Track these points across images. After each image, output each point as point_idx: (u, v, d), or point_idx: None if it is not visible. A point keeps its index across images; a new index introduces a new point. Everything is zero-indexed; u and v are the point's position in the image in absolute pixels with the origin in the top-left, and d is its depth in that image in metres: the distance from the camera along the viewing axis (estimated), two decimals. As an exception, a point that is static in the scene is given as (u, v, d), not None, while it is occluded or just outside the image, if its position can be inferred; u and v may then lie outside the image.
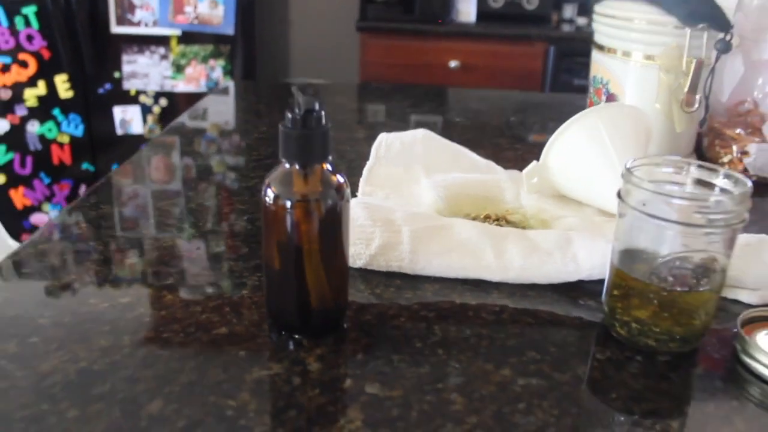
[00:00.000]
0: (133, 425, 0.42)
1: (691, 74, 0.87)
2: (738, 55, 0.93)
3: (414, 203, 0.72)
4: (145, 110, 2.20)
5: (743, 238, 0.63)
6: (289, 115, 0.47)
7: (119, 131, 2.22)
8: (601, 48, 0.97)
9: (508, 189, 0.75)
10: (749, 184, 0.49)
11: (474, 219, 0.69)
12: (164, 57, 2.16)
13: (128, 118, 2.23)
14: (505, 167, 0.84)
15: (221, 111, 1.21)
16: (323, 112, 0.47)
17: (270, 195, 0.49)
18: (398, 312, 0.55)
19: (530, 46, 2.43)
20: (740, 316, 0.53)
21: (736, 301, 0.60)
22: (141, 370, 0.47)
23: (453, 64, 2.43)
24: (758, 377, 0.49)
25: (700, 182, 0.52)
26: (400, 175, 0.77)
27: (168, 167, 0.87)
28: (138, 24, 2.11)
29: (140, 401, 0.44)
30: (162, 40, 2.13)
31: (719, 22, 0.85)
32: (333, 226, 0.50)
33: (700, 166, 0.52)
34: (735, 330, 0.52)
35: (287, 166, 0.48)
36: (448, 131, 1.11)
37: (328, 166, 0.49)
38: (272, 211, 0.49)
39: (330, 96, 1.29)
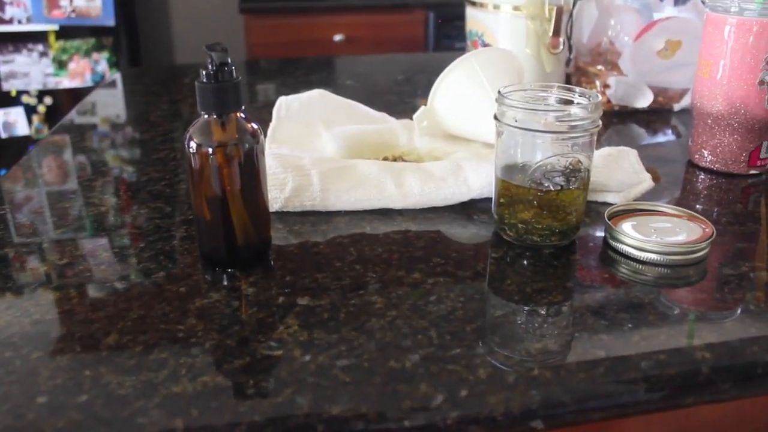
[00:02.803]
0: (96, 356, 0.47)
1: (553, 20, 0.97)
2: (591, 1, 1.04)
3: (318, 155, 0.78)
4: (30, 110, 2.16)
5: (606, 150, 0.74)
6: (204, 72, 0.53)
7: (3, 134, 2.17)
8: (473, 4, 1.06)
9: (402, 134, 0.83)
10: (599, 96, 0.58)
11: (375, 161, 0.76)
12: (44, 54, 2.12)
13: (12, 120, 2.18)
14: (400, 119, 0.92)
15: (111, 104, 1.22)
16: (233, 66, 0.53)
17: (193, 145, 0.54)
18: (316, 243, 0.62)
19: (410, 14, 2.52)
20: (607, 210, 0.63)
21: (605, 203, 0.70)
22: (92, 313, 0.52)
23: (338, 38, 2.50)
24: (624, 255, 0.59)
25: (560, 100, 0.61)
26: (302, 131, 0.83)
27: (62, 166, 0.87)
28: (10, 21, 2.06)
29: (97, 336, 0.49)
30: (39, 37, 2.09)
31: (573, -29, 0.95)
32: (251, 168, 0.56)
33: (559, 87, 0.61)
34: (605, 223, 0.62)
35: (205, 117, 0.54)
36: (341, 94, 1.17)
37: (242, 115, 0.55)
38: (196, 159, 0.54)
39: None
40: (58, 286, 0.56)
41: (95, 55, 2.13)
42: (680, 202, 0.74)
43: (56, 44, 2.09)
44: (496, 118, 0.59)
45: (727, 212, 0.70)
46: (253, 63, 1.65)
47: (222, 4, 2.77)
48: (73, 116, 1.10)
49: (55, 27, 2.07)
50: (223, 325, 0.50)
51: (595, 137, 0.59)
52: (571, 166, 0.58)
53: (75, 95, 2.12)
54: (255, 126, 0.56)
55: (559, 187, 0.58)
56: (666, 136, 0.98)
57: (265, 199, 0.58)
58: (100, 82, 2.13)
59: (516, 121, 0.57)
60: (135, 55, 2.20)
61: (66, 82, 2.13)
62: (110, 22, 2.11)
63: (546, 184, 0.58)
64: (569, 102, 0.60)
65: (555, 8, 0.96)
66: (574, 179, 0.59)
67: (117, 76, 1.48)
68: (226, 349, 0.47)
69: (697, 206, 0.72)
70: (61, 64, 2.11)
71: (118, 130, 1.02)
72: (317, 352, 0.47)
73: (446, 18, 2.52)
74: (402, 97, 1.10)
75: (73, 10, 2.06)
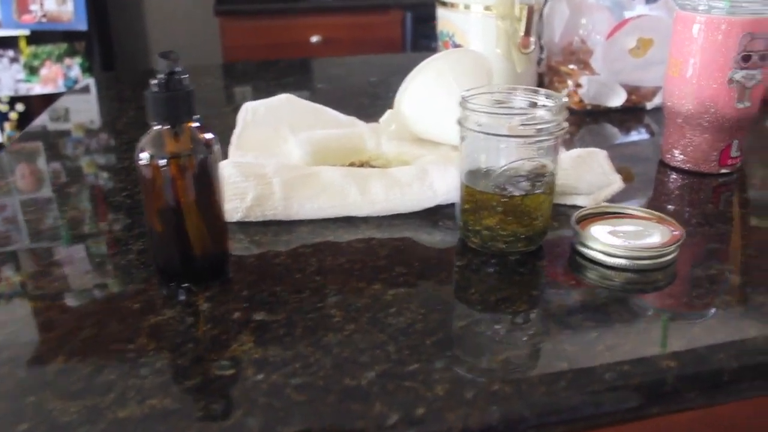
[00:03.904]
0: (41, 380, 0.45)
1: (524, 20, 0.96)
2: (563, 0, 1.03)
3: (284, 161, 0.77)
4: (1, 118, 2.12)
5: (576, 152, 0.72)
6: (154, 80, 0.51)
7: (-25, 142, 2.14)
8: (444, 4, 1.05)
9: (369, 139, 0.82)
10: (564, 98, 0.57)
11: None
12: (14, 60, 2.09)
13: (-17, 128, 2.15)
14: (369, 122, 0.90)
15: (85, 109, 1.20)
16: (185, 75, 0.51)
17: (144, 157, 0.52)
18: (277, 253, 0.60)
19: (387, 14, 2.51)
20: (575, 214, 0.62)
21: (574, 206, 0.68)
22: (41, 334, 0.50)
23: (315, 39, 2.48)
24: (591, 260, 0.58)
25: (525, 103, 0.60)
26: (267, 137, 0.82)
27: (35, 174, 0.85)
28: (-21, 27, 2.03)
29: (45, 359, 0.47)
30: (9, 42, 2.06)
31: (542, -30, 0.94)
32: (206, 178, 0.54)
33: (524, 90, 0.60)
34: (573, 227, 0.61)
35: (157, 127, 0.52)
36: (312, 97, 1.16)
37: (195, 124, 0.53)
38: (148, 171, 0.53)
39: (197, 77, 1.31)
40: (7, 304, 0.54)
41: (68, 61, 2.10)
42: (651, 202, 0.73)
43: (27, 50, 2.06)
44: (459, 122, 0.57)
45: (697, 213, 0.69)
46: (228, 66, 1.63)
47: (197, 6, 2.75)
48: (45, 122, 1.07)
49: (26, 32, 2.04)
50: (175, 343, 0.49)
51: (561, 140, 0.58)
52: (536, 171, 0.57)
53: (48, 101, 2.08)
54: (209, 136, 0.54)
55: (524, 193, 0.57)
56: (639, 135, 0.97)
57: (222, 210, 0.56)
58: (72, 87, 2.10)
59: (479, 125, 0.55)
60: (108, 60, 2.17)
61: (38, 88, 2.10)
62: (82, 26, 2.08)
63: (510, 190, 0.57)
64: (534, 104, 0.59)
65: (525, 8, 0.95)
66: (539, 183, 0.57)
67: (90, 81, 1.46)
68: (177, 369, 0.46)
69: (669, 207, 0.71)
70: (32, 70, 2.08)
71: (91, 137, 1.00)
72: (271, 370, 0.45)
73: (424, 18, 2.51)
74: (374, 99, 1.08)
75: (44, 15, 2.03)
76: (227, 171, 0.66)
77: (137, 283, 0.56)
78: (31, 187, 0.79)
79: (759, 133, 0.97)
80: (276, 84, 1.23)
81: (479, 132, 0.55)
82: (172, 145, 0.53)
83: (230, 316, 0.51)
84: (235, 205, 0.65)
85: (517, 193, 0.57)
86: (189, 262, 0.56)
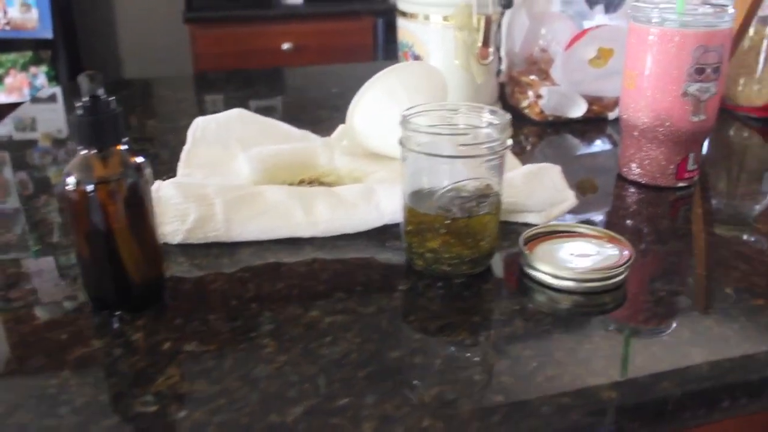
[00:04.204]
0: (-47, 419, 0.43)
1: (482, 30, 0.94)
2: (522, 9, 1.02)
3: (233, 179, 0.75)
4: (-33, 127, 2.09)
5: (528, 168, 0.71)
6: (79, 104, 0.49)
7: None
8: (404, 14, 1.03)
9: (322, 154, 0.80)
10: (508, 116, 0.55)
11: (290, 185, 0.73)
12: (-22, 68, 2.05)
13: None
14: (326, 135, 0.88)
15: (51, 119, 1.17)
16: (112, 97, 0.49)
17: (71, 182, 0.50)
18: (216, 278, 0.58)
19: (358, 21, 2.50)
20: (522, 235, 0.60)
21: (526, 224, 0.67)
22: (-41, 367, 0.48)
23: (286, 46, 2.46)
24: (538, 283, 0.56)
25: (469, 121, 0.58)
26: (217, 153, 0.80)
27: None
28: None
29: (-40, 396, 0.45)
30: (-29, 51, 2.03)
31: (499, -20, 0.93)
32: (138, 203, 0.52)
33: (468, 107, 0.58)
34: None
35: (84, 152, 0.50)
36: (269, 111, 1.14)
37: (124, 147, 0.51)
38: (76, 197, 0.50)
39: (163, 89, 1.29)
40: (-73, 337, 0.52)
41: (33, 69, 2.06)
42: (607, 217, 0.72)
43: (-9, 58, 2.03)
44: (400, 143, 0.56)
45: (651, 230, 0.68)
46: (186, 78, 1.61)
47: (167, 14, 2.71)
48: (10, 131, 1.04)
49: (-11, 40, 2.01)
50: (98, 378, 0.46)
51: (505, 158, 0.56)
52: (480, 191, 0.55)
53: (12, 111, 2.05)
54: (140, 159, 0.52)
55: (468, 214, 0.55)
56: (600, 146, 0.95)
57: (156, 234, 0.54)
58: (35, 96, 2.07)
59: (419, 145, 0.54)
60: (75, 68, 2.13)
61: (2, 98, 2.07)
62: (48, 34, 2.05)
63: (454, 211, 0.55)
64: (477, 123, 0.58)
65: (483, 18, 0.93)
66: (484, 204, 0.56)
67: (57, 90, 1.43)
68: (96, 407, 0.43)
69: (624, 222, 0.70)
70: (-3, 79, 2.05)
71: (59, 147, 0.97)
72: (194, 407, 0.43)
73: (395, 25, 2.49)
74: (333, 111, 1.06)
75: (8, 23, 2.00)
76: (168, 192, 0.64)
77: (68, 311, 0.54)
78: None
79: (717, 142, 0.96)
80: (233, 97, 1.21)
81: (420, 153, 0.54)
82: (100, 169, 0.51)
83: (160, 348, 0.49)
84: (176, 227, 0.63)
85: (460, 215, 0.55)
86: (123, 289, 0.54)
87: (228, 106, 0.91)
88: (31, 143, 1.01)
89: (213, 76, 1.39)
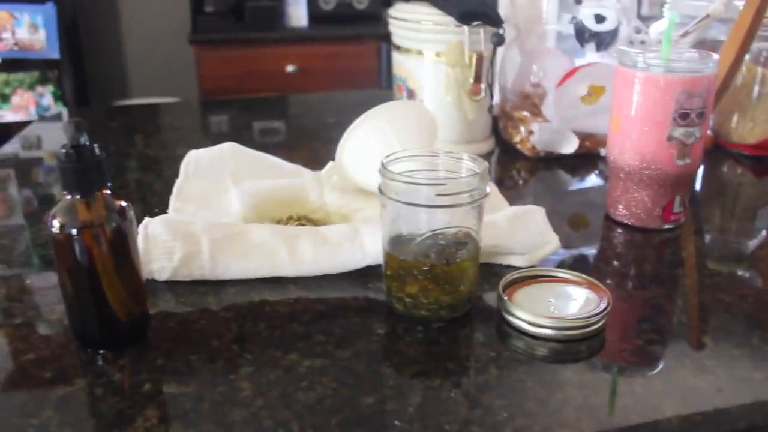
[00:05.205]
0: (-66, 458, 0.44)
1: (473, 67, 0.95)
2: (514, 46, 1.03)
3: (223, 214, 0.76)
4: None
5: (512, 210, 0.72)
6: (63, 150, 0.50)
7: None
8: (398, 48, 1.05)
9: (312, 189, 0.81)
10: (485, 164, 0.56)
11: (278, 222, 0.74)
12: (-14, 87, 2.08)
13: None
14: (318, 168, 0.89)
15: (57, 138, 1.18)
16: (95, 144, 0.51)
17: (56, 225, 0.51)
18: (200, 316, 0.59)
19: (363, 44, 2.52)
20: (502, 280, 0.61)
21: (510, 266, 0.68)
22: (-57, 404, 0.49)
23: (290, 68, 2.48)
24: (518, 330, 0.57)
25: (448, 169, 0.59)
26: (209, 188, 0.81)
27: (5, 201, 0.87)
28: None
29: (-59, 434, 0.46)
30: (-20, 70, 2.05)
31: (492, 19, 0.94)
32: (121, 245, 0.53)
33: (448, 154, 0.59)
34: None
35: (69, 197, 0.51)
36: (263, 138, 1.15)
37: (107, 192, 0.52)
38: (60, 240, 0.52)
39: (162, 115, 1.31)
40: None
41: (40, 89, 2.09)
42: (591, 259, 0.73)
43: (-1, 77, 2.05)
44: (380, 190, 0.57)
45: (634, 273, 0.69)
46: (171, 105, 1.63)
47: (173, 36, 2.74)
48: (17, 150, 1.07)
49: (-3, 60, 2.03)
50: (79, 417, 0.47)
51: (484, 205, 0.57)
52: (458, 238, 0.56)
53: (19, 130, 2.07)
54: (123, 204, 0.53)
55: (446, 261, 0.56)
56: (591, 183, 0.96)
57: (140, 274, 0.56)
58: (42, 116, 2.10)
59: (397, 194, 0.55)
60: (81, 88, 2.16)
61: (9, 116, 2.09)
62: (55, 54, 2.07)
63: (432, 257, 0.56)
64: (457, 170, 0.59)
65: (475, 55, 0.94)
66: (462, 251, 0.57)
67: (63, 110, 1.45)
68: (74, 450, 0.44)
69: (608, 265, 0.70)
70: (4, 98, 2.07)
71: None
72: (169, 452, 0.44)
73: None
74: (326, 143, 1.07)
75: (16, 43, 2.02)
76: (156, 229, 0.65)
77: (54, 348, 0.55)
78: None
79: (709, 179, 0.97)
80: (229, 125, 1.23)
81: (397, 201, 0.55)
82: (84, 213, 0.52)
83: (140, 388, 0.50)
84: (163, 265, 0.64)
85: (438, 262, 0.56)
86: (107, 327, 0.55)
87: (228, 136, 0.92)
88: (37, 161, 1.03)
89: (214, 102, 1.41)
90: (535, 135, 0.99)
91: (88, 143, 0.50)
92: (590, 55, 1.00)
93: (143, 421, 0.47)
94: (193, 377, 0.51)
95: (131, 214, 0.53)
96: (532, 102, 1.05)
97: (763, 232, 0.81)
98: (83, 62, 2.15)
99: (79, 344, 0.56)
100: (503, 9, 1.00)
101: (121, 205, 0.53)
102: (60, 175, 0.51)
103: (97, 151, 0.51)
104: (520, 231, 0.69)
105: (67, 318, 0.56)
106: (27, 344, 0.56)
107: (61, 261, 0.53)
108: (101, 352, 0.55)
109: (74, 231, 0.51)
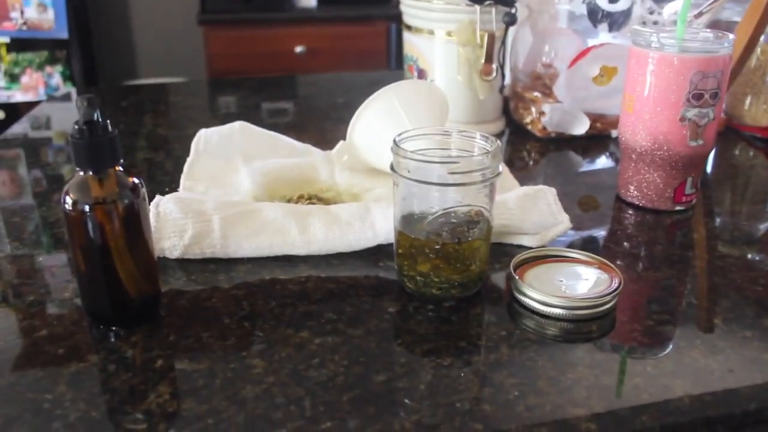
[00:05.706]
0: (-50, 431, 0.44)
1: (485, 46, 0.95)
2: (526, 26, 1.02)
3: (233, 192, 0.76)
4: (-17, 124, 2.12)
5: (523, 190, 0.72)
6: (75, 126, 0.50)
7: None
8: (409, 28, 1.04)
9: (323, 169, 0.81)
10: (498, 143, 0.56)
11: (289, 201, 0.74)
12: (-5, 67, 2.08)
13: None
14: (329, 148, 0.89)
15: (66, 118, 1.19)
16: (107, 121, 0.51)
17: (69, 202, 0.52)
18: (211, 294, 0.59)
19: (372, 25, 2.50)
20: (513, 260, 0.61)
21: (521, 246, 0.68)
22: (-42, 378, 0.49)
23: (299, 49, 2.47)
24: (529, 309, 0.57)
25: (460, 147, 0.59)
26: (219, 167, 0.81)
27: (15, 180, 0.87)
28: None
29: (-43, 408, 0.46)
30: (-11, 49, 2.05)
31: (504, -2, 0.93)
32: (134, 222, 0.53)
33: (460, 132, 0.59)
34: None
35: (81, 173, 0.52)
36: (273, 118, 1.15)
37: (120, 169, 0.52)
38: (73, 216, 0.52)
39: (173, 95, 1.31)
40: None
41: (48, 69, 2.09)
42: (602, 240, 0.72)
43: (7, 57, 2.05)
44: (392, 168, 0.57)
45: (644, 255, 0.68)
46: (180, 85, 1.63)
47: (181, 15, 2.73)
48: (26, 130, 1.07)
49: (6, 39, 2.03)
50: (93, 393, 0.48)
51: (496, 184, 0.57)
52: (470, 217, 0.56)
53: (29, 109, 2.07)
54: (136, 180, 0.53)
55: (457, 239, 0.56)
56: (602, 164, 0.96)
57: (152, 251, 0.56)
58: (52, 95, 2.10)
59: (409, 172, 0.55)
60: (90, 68, 2.16)
61: (19, 96, 2.09)
62: (64, 34, 2.07)
63: (444, 236, 0.56)
64: (469, 149, 0.58)
65: (486, 35, 0.94)
66: (474, 230, 0.57)
67: (72, 90, 1.45)
68: (89, 423, 0.45)
69: (618, 246, 0.70)
70: (13, 77, 2.07)
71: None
72: (182, 425, 0.44)
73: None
74: (336, 123, 1.07)
75: (25, 22, 2.02)
76: (167, 207, 0.65)
77: (67, 325, 0.56)
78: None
79: (721, 162, 0.97)
80: (240, 104, 1.23)
81: (410, 179, 0.55)
82: (97, 190, 0.52)
83: (152, 365, 0.51)
84: (174, 243, 0.64)
85: (450, 240, 0.56)
86: (119, 304, 0.55)
87: (237, 116, 0.92)
88: (46, 141, 1.04)
89: (224, 82, 1.40)
90: (546, 116, 0.99)
91: (100, 119, 0.50)
92: (603, 35, 1.00)
93: (155, 396, 0.47)
94: (205, 354, 0.51)
95: (143, 191, 0.54)
96: (543, 82, 1.04)
97: (775, 215, 0.81)
98: (92, 42, 2.15)
99: (91, 321, 0.56)
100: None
101: (133, 182, 0.53)
102: (72, 151, 0.51)
103: (109, 127, 0.51)
104: (531, 211, 0.69)
105: (79, 295, 0.56)
106: (40, 321, 0.56)
107: (73, 237, 0.53)
108: (113, 329, 0.55)
109: (87, 207, 0.51)
